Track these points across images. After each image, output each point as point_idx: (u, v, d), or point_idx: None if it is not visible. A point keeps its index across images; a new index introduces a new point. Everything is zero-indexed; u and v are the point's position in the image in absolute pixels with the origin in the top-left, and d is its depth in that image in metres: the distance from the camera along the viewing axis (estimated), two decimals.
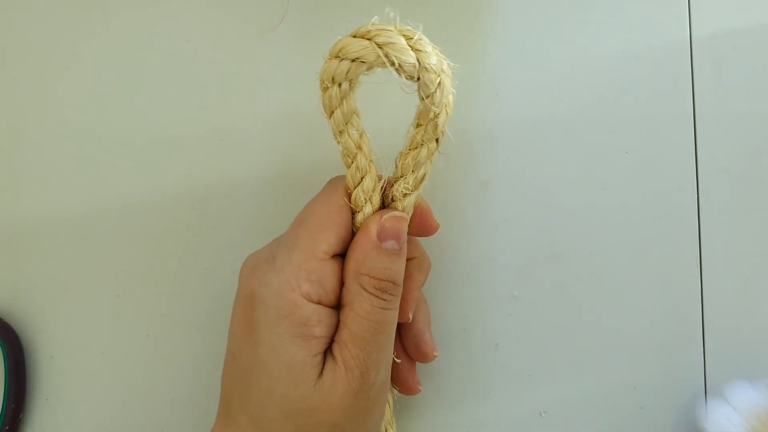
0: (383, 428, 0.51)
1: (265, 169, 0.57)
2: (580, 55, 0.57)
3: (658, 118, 0.56)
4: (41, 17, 0.58)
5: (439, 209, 0.56)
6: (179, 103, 0.57)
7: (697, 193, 0.57)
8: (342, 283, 0.45)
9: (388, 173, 0.46)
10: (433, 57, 0.41)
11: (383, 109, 0.53)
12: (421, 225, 0.48)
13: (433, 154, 0.44)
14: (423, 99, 0.42)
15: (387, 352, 0.45)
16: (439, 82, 0.41)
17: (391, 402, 0.52)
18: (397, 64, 0.40)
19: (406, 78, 0.41)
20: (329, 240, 0.44)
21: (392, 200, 0.46)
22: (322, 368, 0.43)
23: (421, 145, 0.43)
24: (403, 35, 0.40)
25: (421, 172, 0.45)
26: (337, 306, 0.45)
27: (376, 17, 0.41)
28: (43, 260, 0.57)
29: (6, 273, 0.56)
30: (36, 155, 0.57)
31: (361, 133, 0.44)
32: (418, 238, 0.51)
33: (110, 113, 0.57)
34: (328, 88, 0.42)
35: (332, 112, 0.43)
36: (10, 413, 0.54)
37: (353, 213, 0.46)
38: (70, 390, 0.56)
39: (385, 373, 0.45)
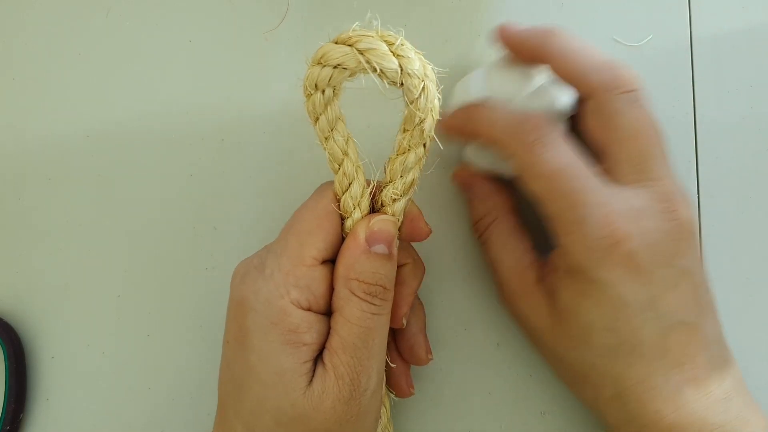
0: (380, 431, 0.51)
1: (265, 169, 0.57)
2: None
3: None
4: (42, 17, 0.58)
5: (441, 209, 0.56)
6: (180, 103, 0.58)
7: (698, 194, 0.56)
8: (332, 289, 0.45)
9: (378, 178, 0.46)
10: (416, 62, 0.40)
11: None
12: (411, 230, 0.47)
13: (421, 159, 0.44)
14: (408, 104, 0.41)
15: (379, 358, 0.45)
16: (423, 87, 0.40)
17: (387, 406, 0.51)
18: (378, 70, 0.39)
19: (389, 84, 0.40)
20: (318, 245, 0.44)
21: (382, 205, 0.45)
22: (313, 376, 0.43)
23: (409, 150, 0.43)
24: (385, 41, 0.40)
25: (409, 177, 0.44)
26: (328, 312, 0.45)
27: (357, 23, 0.40)
28: (43, 260, 0.57)
29: (6, 273, 0.57)
30: (36, 155, 0.57)
31: (347, 139, 0.44)
32: (411, 243, 0.51)
33: (111, 113, 0.58)
34: (311, 94, 0.41)
35: (317, 119, 0.42)
36: (11, 413, 0.54)
37: (342, 219, 0.45)
38: (71, 390, 0.56)
39: (378, 379, 0.45)
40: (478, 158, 0.52)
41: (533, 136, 0.46)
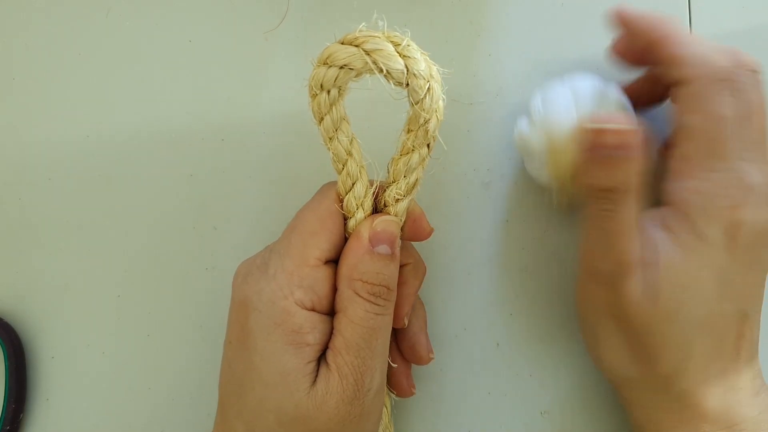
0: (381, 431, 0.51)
1: (266, 169, 0.57)
2: (581, 54, 0.56)
3: (656, 117, 0.56)
4: (43, 17, 0.58)
5: (442, 209, 0.56)
6: (180, 103, 0.57)
7: None
8: (335, 290, 0.45)
9: (381, 178, 0.46)
10: (422, 63, 0.40)
11: (376, 113, 0.53)
12: (414, 230, 0.47)
13: (424, 159, 0.44)
14: (413, 105, 0.41)
15: (382, 358, 0.45)
16: (429, 88, 0.41)
17: (388, 406, 0.52)
18: (385, 71, 0.39)
19: (395, 84, 0.41)
20: (321, 246, 0.44)
21: (385, 205, 0.46)
22: (316, 376, 0.43)
23: (412, 150, 0.43)
24: (391, 41, 0.40)
25: (413, 178, 0.44)
26: (331, 312, 0.45)
27: (363, 24, 0.41)
28: (43, 260, 0.57)
29: (6, 273, 0.57)
30: (36, 155, 0.57)
31: (352, 139, 0.44)
32: (412, 243, 0.51)
33: (111, 113, 0.57)
34: (317, 95, 0.41)
35: (322, 119, 0.42)
36: (11, 413, 0.54)
37: (345, 219, 0.46)
38: (71, 390, 0.56)
39: (381, 379, 0.45)
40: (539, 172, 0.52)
41: (726, 75, 0.45)
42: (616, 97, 0.50)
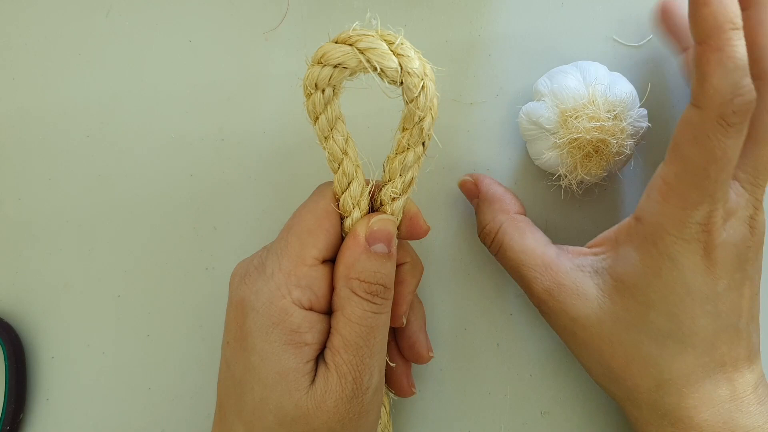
0: (380, 431, 0.51)
1: (266, 169, 0.57)
2: (581, 55, 0.56)
3: (658, 118, 0.55)
4: (42, 17, 0.58)
5: (441, 209, 0.56)
6: (180, 103, 0.57)
7: None
8: (333, 289, 0.45)
9: (377, 177, 0.46)
10: (416, 61, 0.40)
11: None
12: (410, 228, 0.47)
13: (420, 157, 0.44)
14: (407, 103, 0.42)
15: (380, 356, 0.45)
16: (423, 86, 0.41)
17: (387, 405, 0.52)
18: (379, 69, 0.39)
19: (389, 83, 0.41)
20: (318, 245, 0.44)
21: (381, 204, 0.45)
22: (315, 375, 0.43)
23: (408, 149, 0.43)
24: (385, 40, 0.40)
25: (408, 176, 0.44)
26: (329, 312, 0.45)
27: (357, 22, 0.41)
28: (43, 260, 0.57)
29: (6, 273, 0.57)
30: (37, 155, 0.57)
31: (347, 138, 0.44)
32: (410, 242, 0.51)
33: (111, 113, 0.57)
34: (311, 94, 0.41)
35: (317, 118, 0.42)
36: (11, 413, 0.54)
37: (342, 218, 0.45)
38: (71, 390, 0.56)
39: (379, 377, 0.45)
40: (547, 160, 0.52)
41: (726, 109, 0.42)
42: (622, 81, 0.51)
